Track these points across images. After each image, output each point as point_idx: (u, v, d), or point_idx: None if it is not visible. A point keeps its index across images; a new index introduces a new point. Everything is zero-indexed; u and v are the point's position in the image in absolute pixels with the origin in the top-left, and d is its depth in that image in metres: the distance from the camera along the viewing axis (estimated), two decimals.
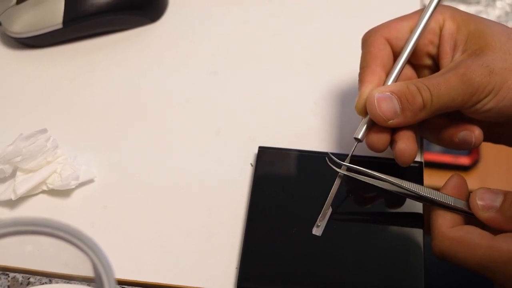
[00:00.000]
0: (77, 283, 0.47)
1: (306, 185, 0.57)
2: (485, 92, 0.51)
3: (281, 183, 0.57)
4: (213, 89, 0.64)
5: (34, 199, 0.56)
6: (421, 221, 0.55)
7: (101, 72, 0.65)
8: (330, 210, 0.54)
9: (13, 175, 0.57)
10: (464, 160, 1.04)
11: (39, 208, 0.56)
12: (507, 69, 0.51)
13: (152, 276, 0.52)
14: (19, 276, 0.52)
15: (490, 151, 1.06)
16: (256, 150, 0.58)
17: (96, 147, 0.60)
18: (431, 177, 1.01)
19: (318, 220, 0.54)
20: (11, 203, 0.56)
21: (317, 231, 0.53)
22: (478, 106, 0.52)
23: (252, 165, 0.59)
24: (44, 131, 0.57)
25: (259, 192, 0.56)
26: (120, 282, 0.52)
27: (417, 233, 0.54)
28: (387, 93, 0.52)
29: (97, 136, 0.61)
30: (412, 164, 0.57)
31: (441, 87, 0.51)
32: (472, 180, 1.04)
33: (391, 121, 0.52)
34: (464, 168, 1.04)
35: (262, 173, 0.57)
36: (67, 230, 0.39)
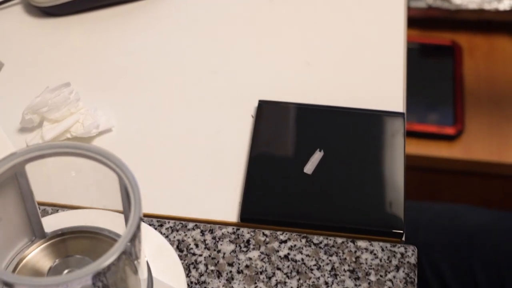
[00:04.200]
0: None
1: (301, 133, 0.64)
2: None
3: (278, 131, 0.64)
4: (219, 51, 0.71)
5: None
6: (404, 163, 0.62)
7: (118, 37, 0.72)
8: (322, 153, 0.62)
9: (40, 124, 0.64)
10: (449, 130, 1.10)
11: (62, 161, 0.63)
12: None
13: (166, 210, 0.59)
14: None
15: (474, 122, 1.13)
16: (256, 103, 0.66)
17: (114, 102, 0.67)
18: (418, 146, 1.09)
19: (309, 161, 0.61)
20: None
21: (308, 169, 0.61)
22: None
23: (252, 117, 0.66)
24: (67, 84, 0.64)
25: (258, 139, 0.63)
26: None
27: (399, 172, 0.61)
28: None
29: (115, 92, 0.68)
30: (394, 114, 0.64)
31: None
32: (456, 150, 1.11)
33: None
34: (449, 138, 1.10)
35: (261, 123, 0.64)
36: (97, 151, 0.46)
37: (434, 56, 1.20)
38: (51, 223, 0.52)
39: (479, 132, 1.12)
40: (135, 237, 0.43)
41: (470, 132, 1.12)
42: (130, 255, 0.48)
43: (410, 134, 1.11)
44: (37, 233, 0.51)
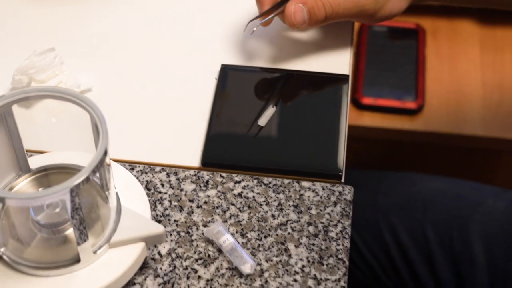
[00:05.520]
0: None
1: (257, 92, 0.73)
2: (370, 13, 0.71)
3: (238, 91, 0.73)
4: (186, 18, 0.80)
5: (45, 101, 0.72)
6: (345, 117, 0.71)
7: (100, 7, 0.81)
8: (275, 108, 0.71)
9: (28, 84, 0.73)
10: (410, 105, 1.19)
11: (48, 109, 0.72)
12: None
13: (138, 156, 0.68)
14: None
15: (434, 97, 1.21)
16: (219, 67, 0.75)
17: (94, 66, 0.76)
18: (382, 119, 1.18)
19: (263, 114, 0.70)
20: (27, 104, 0.72)
21: (262, 122, 0.70)
22: (366, 20, 0.73)
23: (216, 79, 0.75)
24: (52, 49, 0.73)
25: (220, 98, 0.72)
26: (113, 161, 0.67)
27: (341, 125, 0.70)
28: (300, 4, 0.69)
29: (95, 57, 0.77)
30: (340, 77, 0.73)
31: (340, 8, 0.68)
32: (418, 123, 1.19)
33: (300, 26, 0.70)
34: (411, 112, 1.19)
35: (223, 84, 0.73)
36: (73, 94, 0.55)
37: (400, 38, 1.29)
38: (36, 162, 0.61)
39: (439, 107, 1.21)
40: (102, 163, 0.52)
41: (431, 106, 1.21)
42: (102, 187, 0.57)
43: (375, 109, 1.20)
44: (23, 168, 0.60)
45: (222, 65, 0.75)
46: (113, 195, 0.58)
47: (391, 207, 0.96)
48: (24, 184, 0.60)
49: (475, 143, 1.18)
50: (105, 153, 0.52)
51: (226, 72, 0.74)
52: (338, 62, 0.77)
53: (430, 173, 1.04)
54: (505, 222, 0.92)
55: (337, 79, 0.74)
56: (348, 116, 0.71)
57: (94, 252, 0.56)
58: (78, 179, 0.50)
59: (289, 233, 0.63)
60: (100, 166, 0.51)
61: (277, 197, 0.65)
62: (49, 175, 0.61)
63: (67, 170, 0.61)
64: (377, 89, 1.21)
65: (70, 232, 0.57)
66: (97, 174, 0.57)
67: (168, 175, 0.67)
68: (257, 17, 0.73)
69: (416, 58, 1.25)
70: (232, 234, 0.63)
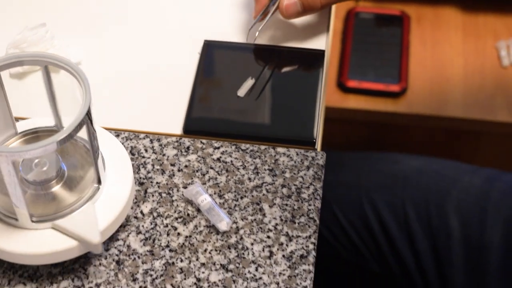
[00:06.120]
0: None
1: (238, 66, 0.77)
2: None
3: (220, 65, 0.77)
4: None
5: (37, 73, 0.76)
6: (320, 89, 0.75)
7: None
8: (253, 81, 0.75)
9: None
10: (394, 88, 1.23)
11: (40, 81, 0.76)
12: None
13: (123, 124, 0.72)
14: None
15: (417, 81, 1.25)
16: (202, 43, 0.79)
17: (83, 41, 0.80)
18: (366, 102, 1.22)
19: (242, 86, 0.74)
20: (19, 75, 0.76)
21: (241, 93, 0.74)
22: None
23: (199, 53, 0.79)
24: (43, 25, 0.77)
25: (203, 70, 0.76)
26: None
27: (317, 97, 0.74)
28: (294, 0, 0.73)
29: (84, 33, 0.81)
30: (316, 52, 0.77)
31: None
32: (401, 105, 1.23)
33: (295, 17, 0.75)
34: (394, 95, 1.23)
35: (206, 59, 0.78)
36: (59, 59, 0.59)
37: (385, 25, 1.33)
38: (27, 125, 0.66)
39: (421, 90, 1.25)
40: (85, 121, 0.56)
41: (413, 90, 1.25)
42: (88, 150, 0.61)
43: (360, 92, 1.24)
44: (15, 130, 0.64)
45: (205, 40, 0.79)
46: (99, 158, 0.62)
47: (373, 185, 1.00)
48: (14, 144, 0.64)
49: (456, 124, 1.23)
50: (88, 112, 0.56)
51: (209, 47, 0.79)
52: (316, 38, 0.81)
53: (412, 154, 1.07)
54: (480, 197, 0.96)
55: (314, 54, 0.78)
56: (323, 88, 0.76)
57: (77, 209, 0.60)
58: (62, 134, 0.54)
59: (264, 195, 0.67)
60: (83, 123, 0.55)
61: (254, 162, 0.70)
62: (40, 137, 0.65)
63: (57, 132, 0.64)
64: (362, 73, 1.25)
65: (56, 189, 0.62)
66: (85, 138, 0.61)
67: (151, 141, 0.71)
68: (255, 22, 0.77)
69: (401, 44, 1.29)
70: (211, 195, 0.67)
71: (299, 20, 0.81)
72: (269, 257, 0.63)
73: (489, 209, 0.94)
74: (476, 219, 0.94)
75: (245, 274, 0.62)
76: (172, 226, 0.65)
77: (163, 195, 0.67)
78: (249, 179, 0.68)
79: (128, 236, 0.65)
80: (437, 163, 1.03)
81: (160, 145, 0.71)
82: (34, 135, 0.65)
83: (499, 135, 1.25)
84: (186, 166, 0.69)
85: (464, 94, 1.24)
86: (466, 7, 1.36)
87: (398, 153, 1.07)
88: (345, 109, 1.24)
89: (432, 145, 1.29)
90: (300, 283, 0.62)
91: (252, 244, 0.64)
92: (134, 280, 0.62)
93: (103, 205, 0.62)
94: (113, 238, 0.64)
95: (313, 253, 0.64)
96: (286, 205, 0.67)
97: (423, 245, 0.95)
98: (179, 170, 0.69)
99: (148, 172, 0.69)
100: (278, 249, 0.64)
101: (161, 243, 0.64)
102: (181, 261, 0.63)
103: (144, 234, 0.65)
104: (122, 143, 0.70)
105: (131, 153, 0.70)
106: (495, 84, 1.26)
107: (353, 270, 1.03)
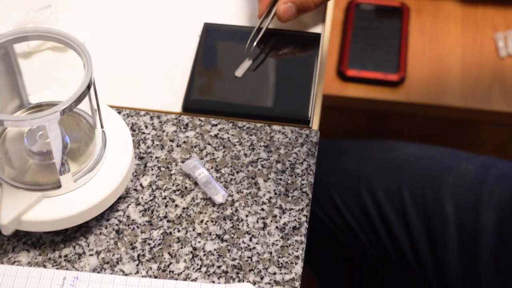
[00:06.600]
0: None
1: (237, 48, 0.79)
2: None
3: (219, 46, 0.80)
4: None
5: (42, 53, 0.79)
6: (315, 70, 0.77)
7: None
8: (251, 61, 0.77)
9: None
10: (392, 77, 1.25)
11: (45, 60, 0.79)
12: None
13: (125, 102, 0.75)
14: None
15: (416, 70, 1.28)
16: (202, 25, 0.81)
17: (87, 22, 0.82)
18: (366, 91, 1.24)
19: (240, 67, 0.76)
20: (26, 55, 0.78)
21: (238, 73, 0.76)
22: None
23: (199, 36, 0.81)
24: (48, 6, 0.79)
25: (202, 52, 0.79)
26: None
27: (311, 76, 0.76)
28: (289, 4, 0.76)
29: (88, 15, 0.83)
30: (313, 35, 0.80)
31: None
32: (399, 94, 1.26)
33: (292, 20, 0.79)
34: (393, 84, 1.25)
35: (205, 41, 0.80)
36: (63, 35, 0.61)
37: (385, 16, 1.36)
38: (33, 99, 0.68)
39: (420, 79, 1.27)
40: (86, 93, 0.59)
41: (412, 79, 1.27)
42: (91, 125, 0.64)
43: (359, 80, 1.27)
44: (25, 103, 0.67)
45: (205, 23, 0.82)
46: (99, 134, 0.65)
47: (371, 171, 1.02)
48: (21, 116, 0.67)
49: (454, 113, 1.25)
50: (89, 85, 0.59)
51: (208, 29, 0.81)
52: (313, 24, 0.83)
53: (412, 141, 1.09)
54: (475, 183, 0.98)
55: (311, 37, 0.81)
56: (319, 70, 0.78)
57: (75, 181, 0.63)
58: (63, 105, 0.57)
59: (259, 169, 0.70)
60: (84, 96, 0.58)
61: (250, 139, 0.72)
62: (44, 109, 0.67)
63: None
64: (362, 62, 1.27)
65: None
66: (88, 113, 0.64)
67: (151, 118, 0.74)
68: (253, 38, 0.78)
69: (400, 34, 1.32)
70: (208, 170, 0.69)
71: None
72: (263, 228, 0.66)
73: (483, 195, 0.96)
74: (471, 204, 0.96)
75: (240, 244, 0.65)
76: (170, 198, 0.68)
77: (162, 169, 0.70)
78: (245, 154, 0.71)
79: (127, 207, 0.67)
80: (433, 150, 1.05)
81: (160, 122, 0.73)
82: (40, 109, 0.67)
83: (496, 124, 1.27)
84: (184, 142, 0.72)
85: (462, 84, 1.26)
86: None
87: (395, 140, 1.09)
88: (345, 98, 1.26)
89: (430, 133, 1.31)
90: (292, 253, 0.64)
91: (246, 216, 0.67)
92: (133, 248, 0.65)
93: (103, 177, 0.65)
94: (113, 209, 0.67)
95: (305, 225, 0.66)
96: (280, 179, 0.69)
97: (418, 230, 0.97)
98: (177, 146, 0.71)
99: (148, 147, 0.71)
100: (271, 221, 0.66)
101: (159, 214, 0.67)
102: (178, 231, 0.66)
103: (143, 206, 0.67)
104: (124, 120, 0.73)
105: (132, 129, 0.73)
106: (492, 75, 1.28)
107: (351, 255, 1.05)
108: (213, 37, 0.81)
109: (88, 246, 0.65)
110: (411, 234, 0.98)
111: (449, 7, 1.38)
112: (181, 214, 0.67)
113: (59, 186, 0.63)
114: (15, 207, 0.61)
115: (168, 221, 0.66)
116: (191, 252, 0.65)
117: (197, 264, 0.64)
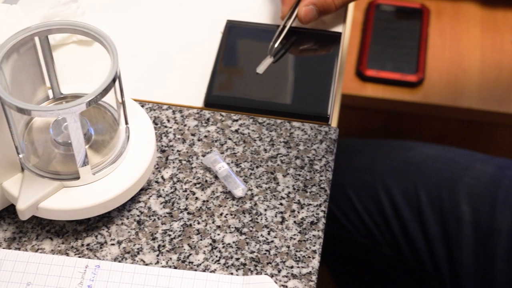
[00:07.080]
0: None
1: (259, 45, 0.80)
2: None
3: (241, 43, 0.81)
4: None
5: (68, 47, 0.81)
6: (335, 68, 0.78)
7: None
8: (272, 59, 0.78)
9: None
10: (411, 78, 1.26)
11: (70, 53, 0.80)
12: None
13: (148, 96, 0.77)
14: None
15: (434, 72, 1.28)
16: (225, 22, 0.83)
17: (112, 17, 0.84)
18: (384, 91, 1.25)
19: (261, 63, 0.78)
20: (52, 48, 0.80)
21: (260, 70, 0.77)
22: None
23: (221, 32, 0.82)
24: (75, 0, 0.81)
25: (224, 48, 0.80)
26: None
27: (332, 75, 0.77)
28: (310, 6, 0.77)
29: (113, 10, 0.85)
30: (334, 34, 0.81)
31: None
32: (418, 95, 1.26)
33: (313, 21, 0.80)
34: (411, 85, 1.26)
35: (227, 37, 0.81)
36: (89, 27, 0.63)
37: (405, 17, 1.36)
38: (58, 91, 0.70)
39: (438, 81, 1.28)
40: (112, 86, 0.60)
41: (430, 80, 1.28)
42: (115, 119, 0.65)
43: (377, 81, 1.28)
44: (55, 92, 0.69)
45: (228, 20, 0.83)
46: (123, 128, 0.66)
47: (388, 171, 1.03)
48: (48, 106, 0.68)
49: (471, 115, 1.25)
50: (115, 78, 0.60)
51: (231, 26, 0.82)
52: (334, 22, 0.84)
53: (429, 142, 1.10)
54: (491, 184, 0.99)
55: (332, 36, 0.82)
56: (338, 68, 0.79)
57: (94, 174, 0.64)
58: (89, 97, 0.58)
59: (278, 165, 0.71)
60: (109, 88, 0.59)
61: (270, 134, 0.73)
62: (68, 101, 0.69)
63: None
64: (381, 63, 1.28)
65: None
66: (113, 106, 0.65)
67: (174, 112, 0.75)
68: (276, 39, 0.80)
69: (419, 36, 1.32)
70: (228, 164, 0.71)
71: None
72: (281, 223, 0.67)
73: (499, 196, 0.97)
74: (486, 205, 0.97)
75: (258, 237, 0.66)
76: (190, 191, 0.69)
77: (183, 162, 0.71)
78: (265, 150, 0.72)
79: (149, 198, 0.69)
80: (450, 151, 1.06)
81: (182, 116, 0.75)
82: (64, 101, 0.69)
83: None
84: (205, 136, 0.73)
85: (480, 86, 1.27)
86: (485, 2, 1.39)
87: (411, 141, 1.10)
88: (363, 97, 1.27)
89: (447, 135, 1.32)
90: (310, 247, 0.66)
91: (265, 210, 0.68)
92: (154, 239, 0.66)
93: (126, 169, 0.66)
94: (135, 200, 0.68)
95: (323, 220, 0.67)
96: (299, 175, 0.70)
97: (434, 229, 0.98)
98: (199, 140, 0.73)
99: (170, 141, 0.73)
100: (290, 216, 0.68)
101: (179, 206, 0.68)
102: (198, 223, 0.67)
103: (164, 198, 0.69)
104: (147, 113, 0.74)
105: (154, 122, 0.74)
106: (511, 78, 1.28)
107: (366, 253, 1.06)
108: (235, 34, 0.82)
109: (110, 235, 0.66)
110: (426, 233, 0.98)
111: (469, 9, 1.39)
112: (201, 207, 0.68)
113: (77, 178, 0.64)
114: (33, 194, 0.63)
115: (188, 213, 0.68)
116: (210, 244, 0.66)
117: (216, 256, 0.65)
